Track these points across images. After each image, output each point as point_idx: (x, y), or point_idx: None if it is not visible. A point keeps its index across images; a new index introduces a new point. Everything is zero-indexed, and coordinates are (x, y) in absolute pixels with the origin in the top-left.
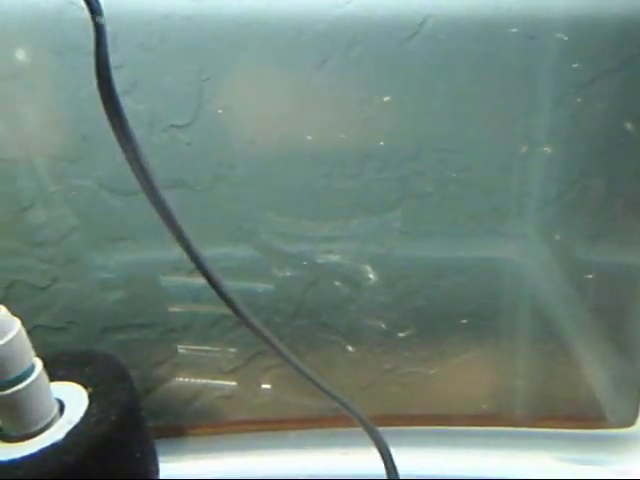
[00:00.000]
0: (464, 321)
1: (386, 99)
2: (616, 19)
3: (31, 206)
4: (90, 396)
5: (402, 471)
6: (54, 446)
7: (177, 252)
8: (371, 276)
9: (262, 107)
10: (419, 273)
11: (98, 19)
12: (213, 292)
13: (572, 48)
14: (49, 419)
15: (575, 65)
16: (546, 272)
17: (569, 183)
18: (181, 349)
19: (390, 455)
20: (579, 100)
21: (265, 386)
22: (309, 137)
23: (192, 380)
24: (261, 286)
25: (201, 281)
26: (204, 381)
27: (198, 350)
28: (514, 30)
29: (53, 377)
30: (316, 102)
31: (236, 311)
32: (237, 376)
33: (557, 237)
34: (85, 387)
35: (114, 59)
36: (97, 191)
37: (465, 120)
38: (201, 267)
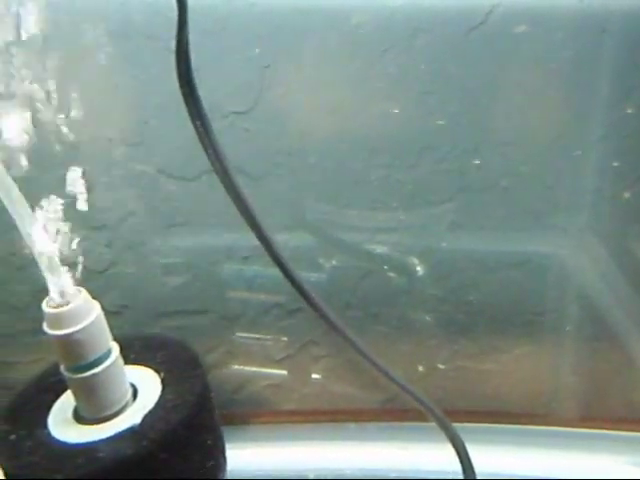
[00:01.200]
0: (516, 316)
1: (448, 90)
2: None
3: (91, 189)
4: (163, 381)
5: (448, 467)
6: (131, 430)
7: (232, 239)
8: (424, 269)
9: (322, 95)
10: (473, 266)
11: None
12: (268, 279)
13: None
14: (123, 403)
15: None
16: (601, 268)
17: (628, 179)
18: (233, 336)
19: (465, 450)
20: None
21: (315, 376)
22: (368, 127)
23: (243, 367)
24: (314, 275)
25: (256, 268)
26: (255, 369)
27: (250, 338)
28: (584, 22)
29: (125, 361)
30: (377, 91)
31: (305, 295)
32: (288, 365)
33: (612, 233)
34: (157, 372)
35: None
36: (156, 176)
37: (527, 113)
38: (271, 251)
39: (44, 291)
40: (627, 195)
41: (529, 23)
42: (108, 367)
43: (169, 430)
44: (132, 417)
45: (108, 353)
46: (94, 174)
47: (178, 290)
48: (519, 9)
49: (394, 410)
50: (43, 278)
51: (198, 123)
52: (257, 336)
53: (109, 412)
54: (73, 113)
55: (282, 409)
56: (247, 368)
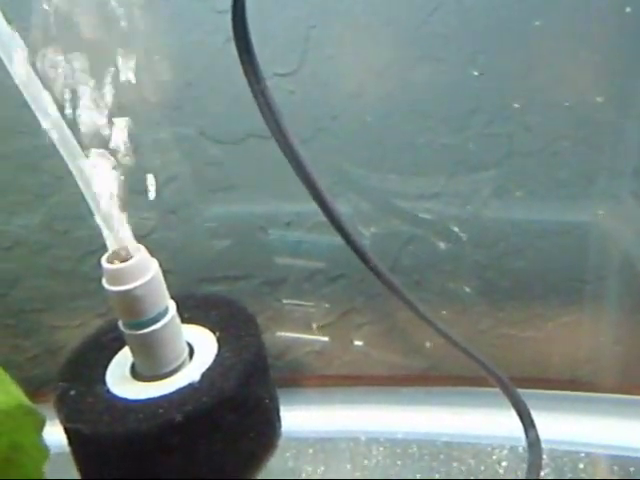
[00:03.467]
0: (561, 284)
1: (498, 51)
2: None
3: (133, 152)
4: (219, 340)
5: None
6: (191, 386)
7: (276, 204)
8: (468, 235)
9: (368, 58)
10: (517, 233)
11: None
12: (311, 245)
13: None
14: (181, 361)
15: None
16: None
17: None
18: (274, 302)
19: (530, 415)
20: None
21: (357, 343)
22: (415, 90)
23: (285, 334)
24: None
25: (298, 234)
26: (297, 335)
27: (292, 304)
28: None
29: (180, 320)
30: (425, 52)
31: (365, 260)
32: (330, 331)
33: None
34: (212, 331)
35: (222, 3)
36: (199, 139)
37: (582, 74)
38: (330, 215)
39: (88, 255)
40: None
41: None
42: (167, 324)
43: (228, 387)
44: (190, 374)
45: (166, 310)
46: (136, 137)
47: (221, 255)
48: None
49: (437, 376)
50: (86, 243)
51: (254, 82)
52: (299, 302)
53: (167, 369)
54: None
55: (326, 374)
56: (289, 334)
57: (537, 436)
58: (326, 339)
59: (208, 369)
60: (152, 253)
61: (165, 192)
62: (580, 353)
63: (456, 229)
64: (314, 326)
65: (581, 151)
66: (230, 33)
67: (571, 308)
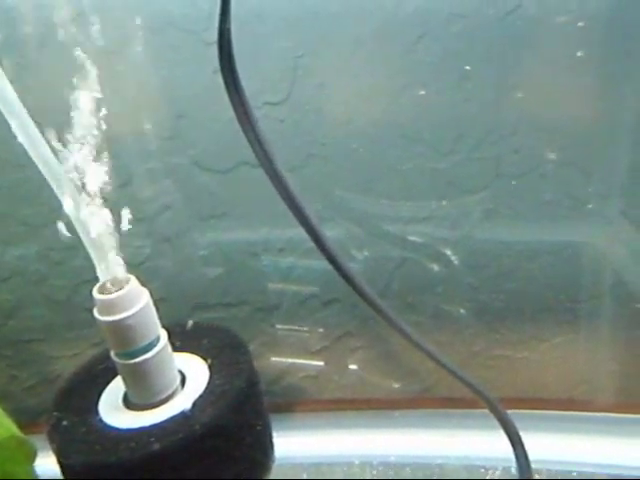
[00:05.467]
0: (554, 304)
1: (484, 76)
2: None
3: (128, 183)
4: (210, 367)
5: (491, 453)
6: (182, 415)
7: (268, 231)
8: (460, 257)
9: (356, 85)
10: (509, 255)
11: None
12: (303, 271)
13: None
14: (173, 389)
15: None
16: (637, 255)
17: None
18: (269, 328)
19: (520, 438)
20: None
21: (352, 367)
22: (403, 115)
23: (280, 359)
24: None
25: (291, 260)
26: (292, 360)
27: (286, 329)
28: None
29: (172, 348)
30: (412, 78)
31: (354, 286)
32: (325, 356)
33: None
34: (204, 359)
35: (210, 35)
36: (191, 169)
37: (565, 98)
38: (318, 241)
39: (83, 285)
40: None
41: (564, 7)
42: (158, 353)
43: (220, 414)
44: (182, 403)
45: (158, 339)
46: (130, 168)
47: (215, 282)
48: None
49: (431, 399)
50: (81, 273)
51: (241, 112)
52: (294, 327)
53: (159, 398)
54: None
55: (321, 398)
56: (284, 359)
57: (526, 456)
58: (321, 363)
59: (200, 397)
60: (146, 281)
61: (159, 221)
62: (574, 373)
63: (447, 252)
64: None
65: (568, 173)
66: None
67: (564, 328)
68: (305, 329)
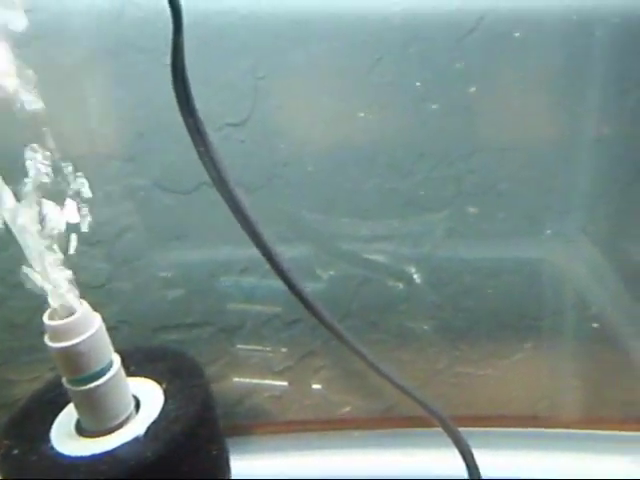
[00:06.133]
0: (515, 321)
1: (442, 97)
2: None
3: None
4: (165, 392)
5: (451, 472)
6: (136, 441)
7: (230, 251)
8: (421, 276)
9: (316, 106)
10: (470, 273)
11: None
12: (266, 291)
13: (628, 44)
14: (126, 415)
15: (631, 62)
16: (597, 271)
17: (621, 182)
18: (232, 349)
19: (472, 455)
20: (634, 98)
21: (316, 386)
22: (363, 136)
23: (243, 380)
24: (312, 285)
25: (253, 280)
26: (255, 381)
27: (249, 350)
28: (573, 26)
29: (126, 373)
30: (371, 100)
31: (309, 306)
32: (288, 376)
33: (608, 236)
34: (159, 383)
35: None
36: (152, 190)
37: (521, 118)
38: (274, 263)
39: (42, 308)
40: (621, 198)
41: (520, 29)
42: (110, 379)
43: (173, 440)
44: (135, 428)
45: (110, 364)
46: (91, 188)
47: (177, 303)
48: (509, 15)
49: (395, 418)
50: (40, 295)
51: (195, 133)
52: (257, 348)
53: (112, 424)
54: (65, 128)
55: (284, 420)
56: (247, 380)
57: (479, 474)
58: (285, 384)
59: (153, 422)
60: (106, 304)
61: (119, 242)
62: (534, 389)
63: (409, 270)
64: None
65: (526, 191)
66: None
67: (525, 345)
68: (268, 349)
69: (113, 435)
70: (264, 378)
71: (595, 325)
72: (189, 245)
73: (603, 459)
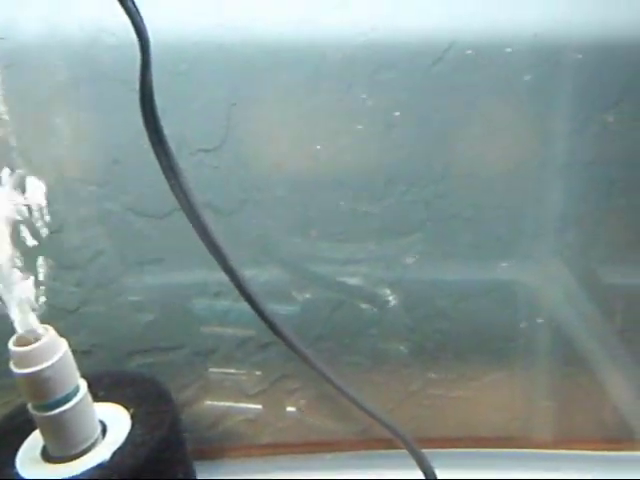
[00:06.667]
0: (486, 344)
1: (411, 123)
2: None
3: (60, 229)
4: (132, 417)
5: None
6: (100, 467)
7: (204, 275)
8: (394, 298)
9: (288, 131)
10: (442, 295)
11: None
12: (240, 314)
13: (594, 71)
14: (92, 440)
15: (597, 88)
16: (568, 293)
17: (590, 204)
18: (206, 372)
19: (434, 474)
20: (601, 123)
21: (290, 409)
22: (334, 161)
23: (217, 403)
24: (286, 308)
25: (227, 303)
26: (229, 404)
27: (223, 373)
28: (537, 55)
29: (94, 398)
30: (342, 126)
31: (275, 330)
32: (262, 399)
33: (578, 260)
34: (127, 408)
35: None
36: (126, 214)
37: (490, 144)
38: (241, 288)
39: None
40: (590, 220)
41: (486, 58)
42: (76, 404)
43: (138, 465)
44: (101, 454)
45: (76, 390)
46: (64, 214)
47: (150, 327)
48: (475, 44)
49: (370, 440)
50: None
51: (163, 159)
52: (231, 371)
53: (78, 450)
54: (41, 155)
55: (258, 443)
56: (222, 403)
57: None
58: (259, 407)
59: (119, 448)
60: (80, 328)
61: (93, 267)
62: (507, 411)
63: (382, 293)
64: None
65: (495, 216)
66: None
67: (496, 366)
68: (242, 372)
69: (78, 461)
70: (238, 401)
71: (565, 347)
72: (163, 269)
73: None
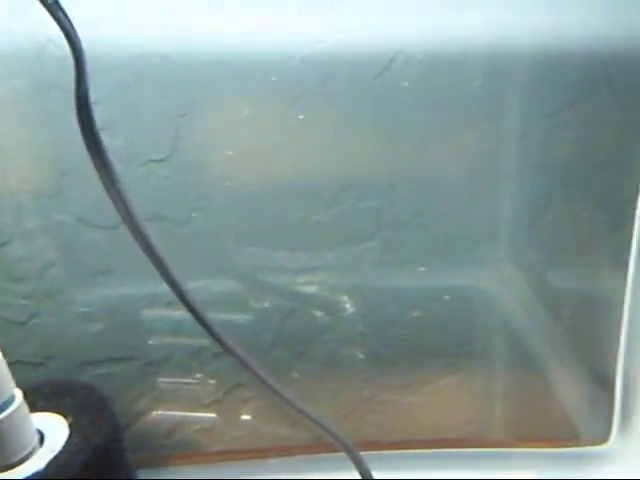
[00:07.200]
0: (440, 348)
1: (360, 132)
2: (579, 52)
3: (9, 241)
4: (71, 426)
5: None
6: (36, 475)
7: (155, 285)
8: (348, 305)
9: (238, 141)
10: (396, 302)
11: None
12: (192, 324)
13: (537, 81)
14: (29, 450)
15: (541, 97)
16: (519, 298)
17: (539, 211)
18: (161, 382)
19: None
20: (546, 130)
21: (245, 417)
22: (285, 170)
23: (172, 413)
24: (239, 317)
25: (180, 313)
26: (184, 413)
27: (178, 382)
28: (485, 62)
29: (33, 408)
30: (291, 136)
31: (219, 340)
32: (217, 408)
33: (529, 264)
34: (65, 417)
35: (92, 96)
36: (76, 225)
37: (438, 151)
38: (183, 298)
39: None
40: (539, 225)
41: (430, 67)
42: (11, 414)
43: (74, 473)
44: (37, 463)
45: (11, 400)
46: (12, 227)
47: (103, 338)
48: (420, 55)
49: (324, 445)
50: None
51: (102, 171)
52: (185, 380)
53: (14, 459)
54: None
55: (213, 450)
56: (177, 413)
57: None
58: (214, 415)
59: (55, 457)
60: (31, 340)
61: (44, 278)
62: (460, 414)
63: (336, 300)
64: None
65: (447, 222)
66: (102, 122)
67: (450, 370)
68: (196, 382)
69: (15, 470)
70: (193, 411)
71: (518, 350)
72: (115, 280)
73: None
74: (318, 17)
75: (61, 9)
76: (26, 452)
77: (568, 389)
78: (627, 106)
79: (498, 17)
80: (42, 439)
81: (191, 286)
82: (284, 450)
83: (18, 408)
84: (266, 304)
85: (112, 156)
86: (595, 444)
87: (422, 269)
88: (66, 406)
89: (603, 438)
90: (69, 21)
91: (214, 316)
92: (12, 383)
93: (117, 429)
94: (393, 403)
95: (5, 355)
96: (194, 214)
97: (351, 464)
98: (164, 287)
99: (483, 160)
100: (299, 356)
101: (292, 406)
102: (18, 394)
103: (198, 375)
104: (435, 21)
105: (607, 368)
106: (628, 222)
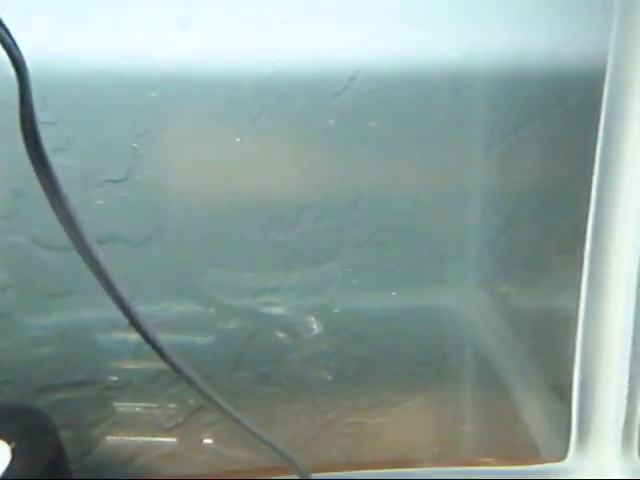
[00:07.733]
0: (405, 368)
1: (319, 151)
2: (537, 72)
3: None
4: (13, 451)
5: None
6: None
7: (113, 308)
8: (312, 326)
9: (197, 161)
10: (359, 322)
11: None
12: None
13: (496, 99)
14: None
15: (499, 115)
16: (483, 318)
17: (502, 229)
18: (120, 407)
19: None
20: (505, 148)
21: (207, 441)
22: (245, 190)
23: (132, 438)
24: (201, 339)
25: (139, 337)
26: (144, 439)
27: (137, 407)
28: (441, 84)
29: None
30: (250, 155)
31: (173, 366)
32: (178, 432)
33: (493, 283)
34: (8, 442)
35: (48, 116)
36: (30, 247)
37: (399, 170)
38: (134, 322)
39: None
40: (499, 243)
41: (391, 86)
42: None
43: None
44: None
45: None
46: None
47: (60, 363)
48: (380, 74)
49: (285, 469)
50: None
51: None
52: (145, 405)
53: None
54: None
55: (175, 476)
56: (137, 438)
57: None
58: (174, 440)
59: None
60: None
61: None
62: (426, 434)
63: (299, 321)
64: None
65: (408, 241)
66: (59, 142)
67: (415, 391)
68: (156, 406)
69: None
70: (154, 435)
71: (482, 369)
72: (72, 302)
73: None
74: (277, 37)
75: (2, 25)
76: None
77: (529, 407)
78: (581, 123)
79: (463, 37)
80: None
81: (151, 308)
82: (246, 474)
83: None
84: (228, 325)
85: (69, 176)
86: (554, 461)
87: (385, 288)
88: (9, 431)
89: (562, 455)
90: (12, 39)
91: (175, 338)
92: None
93: (62, 455)
94: (359, 425)
95: None
96: (152, 234)
97: None
98: (119, 310)
99: (445, 178)
100: (263, 378)
101: (247, 430)
102: None
103: (159, 399)
104: (395, 40)
105: (565, 385)
106: (581, 240)
